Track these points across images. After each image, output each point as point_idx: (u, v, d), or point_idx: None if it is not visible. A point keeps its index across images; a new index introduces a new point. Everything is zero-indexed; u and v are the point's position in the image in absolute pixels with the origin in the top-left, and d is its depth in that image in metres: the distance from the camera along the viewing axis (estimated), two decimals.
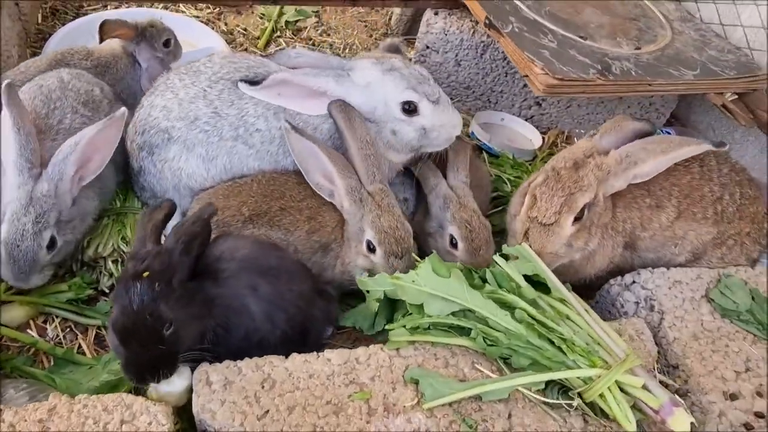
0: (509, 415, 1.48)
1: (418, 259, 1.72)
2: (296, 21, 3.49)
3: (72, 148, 1.76)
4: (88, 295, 1.93)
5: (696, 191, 1.99)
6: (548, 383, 1.52)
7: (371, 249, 1.80)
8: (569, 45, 2.41)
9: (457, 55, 2.89)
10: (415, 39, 3.04)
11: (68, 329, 1.90)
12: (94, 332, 1.88)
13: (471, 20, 2.83)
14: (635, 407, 1.48)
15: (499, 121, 3.03)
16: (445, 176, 2.10)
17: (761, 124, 2.51)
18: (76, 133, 1.81)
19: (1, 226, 1.75)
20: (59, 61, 2.22)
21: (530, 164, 2.78)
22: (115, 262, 1.98)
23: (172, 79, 1.98)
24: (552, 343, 1.52)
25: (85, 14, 3.10)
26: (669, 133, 3.00)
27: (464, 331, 1.59)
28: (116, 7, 3.21)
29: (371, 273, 1.77)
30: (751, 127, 2.56)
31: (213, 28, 3.19)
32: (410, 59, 1.98)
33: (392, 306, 1.74)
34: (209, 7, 3.35)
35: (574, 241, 1.83)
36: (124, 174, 2.12)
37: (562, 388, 1.53)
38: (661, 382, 1.63)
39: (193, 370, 1.48)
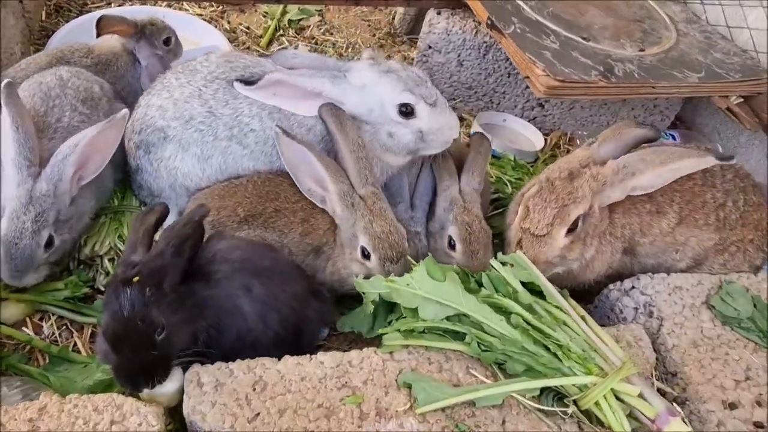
0: (503, 422, 1.47)
1: (414, 262, 1.70)
2: (299, 20, 3.48)
3: (71, 149, 1.75)
4: (84, 293, 1.92)
5: (698, 197, 1.96)
6: (543, 390, 1.50)
7: (366, 255, 1.79)
8: (571, 46, 2.39)
9: (459, 56, 2.87)
10: (418, 39, 3.03)
11: (64, 327, 1.90)
12: (89, 330, 1.88)
13: (474, 20, 2.81)
14: (631, 415, 1.46)
15: (501, 122, 3.01)
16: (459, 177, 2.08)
17: (766, 127, 2.48)
18: (75, 132, 1.81)
19: (0, 222, 1.75)
20: (59, 59, 2.22)
21: (532, 166, 2.76)
22: (111, 260, 1.98)
23: (169, 78, 1.97)
24: (547, 349, 1.50)
25: (88, 12, 3.10)
26: (673, 136, 2.97)
27: (459, 336, 1.58)
28: (120, 5, 3.22)
29: (366, 277, 1.75)
30: (756, 131, 2.53)
31: (216, 27, 3.18)
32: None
33: (391, 308, 1.73)
34: (212, 6, 3.35)
35: (568, 253, 1.82)
36: (122, 172, 2.11)
37: (557, 395, 1.51)
38: (658, 389, 1.62)
39: (185, 371, 1.47)
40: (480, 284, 1.65)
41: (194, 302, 1.43)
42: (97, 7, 3.19)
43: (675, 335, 1.74)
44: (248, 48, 3.21)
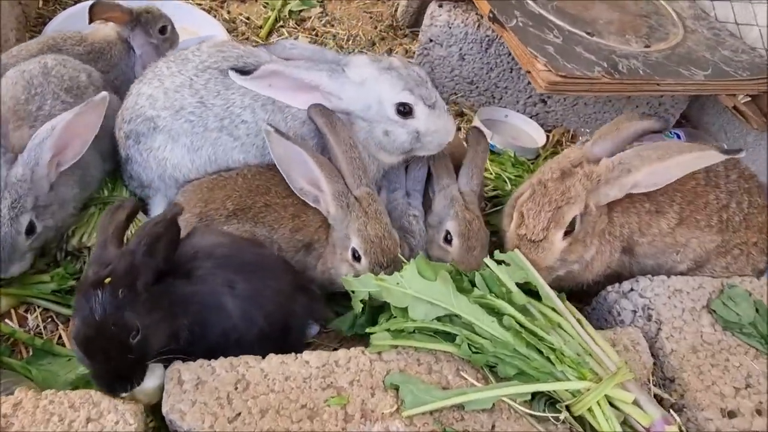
0: (493, 426, 1.42)
1: (405, 260, 1.66)
2: (300, 11, 3.42)
3: (48, 132, 1.70)
4: (71, 286, 1.87)
5: (700, 198, 1.90)
6: (535, 394, 1.45)
7: (357, 258, 1.75)
8: (575, 41, 2.33)
9: (461, 49, 2.82)
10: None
11: (49, 319, 1.86)
12: None
13: (476, 13, 2.75)
14: (626, 423, 1.42)
15: (503, 118, 2.95)
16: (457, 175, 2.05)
17: None
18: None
19: None
20: (51, 47, 2.17)
21: (532, 163, 2.70)
22: None
23: (160, 66, 1.93)
24: (540, 352, 1.45)
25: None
26: (678, 135, 2.90)
27: (450, 337, 1.53)
28: None
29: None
30: (763, 130, 2.48)
31: (215, 16, 3.13)
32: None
33: (380, 308, 1.69)
34: None
35: (569, 255, 1.77)
36: (112, 163, 2.07)
37: (550, 400, 1.46)
38: (655, 395, 1.57)
39: (167, 366, 1.43)
40: (473, 284, 1.60)
41: (174, 300, 1.38)
42: None
43: (674, 340, 1.69)
44: (247, 39, 3.16)
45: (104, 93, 1.77)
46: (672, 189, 1.86)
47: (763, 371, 1.62)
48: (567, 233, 1.74)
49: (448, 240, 1.95)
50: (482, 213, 2.09)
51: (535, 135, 2.90)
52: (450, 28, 2.77)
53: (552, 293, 1.60)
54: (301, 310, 1.62)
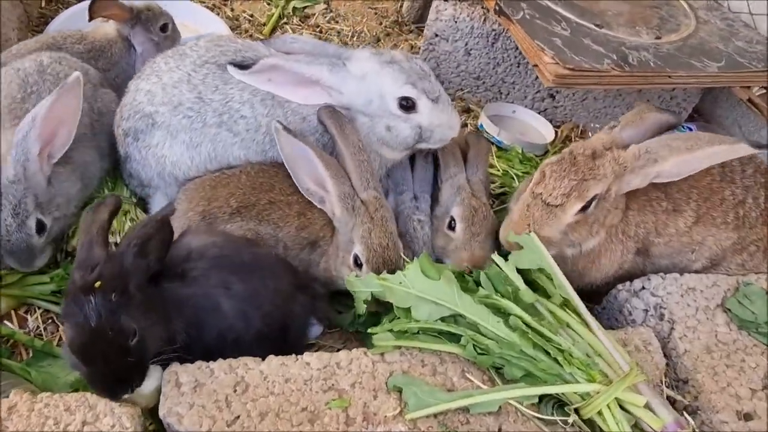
0: (499, 429, 1.38)
1: (407, 259, 1.62)
2: (304, 7, 3.39)
3: (30, 124, 1.65)
4: None
5: (716, 194, 1.84)
6: (543, 397, 1.41)
7: (358, 264, 1.71)
8: (583, 33, 2.27)
9: (467, 44, 2.76)
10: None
11: (50, 321, 1.84)
12: None
13: (482, 7, 2.70)
14: (637, 426, 1.37)
15: (511, 114, 2.90)
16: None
17: None
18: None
19: None
20: (51, 45, 2.16)
21: (540, 159, 2.64)
22: None
23: (158, 62, 1.90)
24: (548, 353, 1.41)
25: None
26: (690, 129, 2.83)
27: (455, 338, 1.49)
28: None
29: None
30: None
31: (219, 14, 3.11)
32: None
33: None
34: None
35: (572, 232, 1.70)
36: (111, 162, 2.04)
37: (558, 403, 1.41)
38: (668, 397, 1.52)
39: (165, 368, 1.40)
40: (478, 284, 1.55)
41: (168, 302, 1.35)
42: None
43: (687, 340, 1.64)
44: (251, 36, 3.13)
45: (77, 73, 1.72)
46: (688, 185, 1.80)
47: None
48: (583, 209, 1.67)
49: (451, 226, 1.92)
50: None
51: (543, 131, 2.84)
52: (455, 22, 2.72)
53: (566, 281, 1.54)
54: (301, 310, 1.58)
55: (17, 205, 1.66)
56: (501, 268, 1.57)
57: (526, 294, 1.52)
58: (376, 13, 3.47)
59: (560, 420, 1.38)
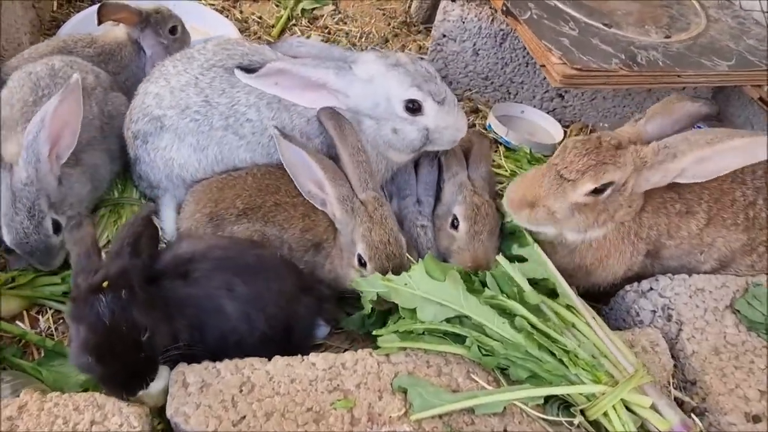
0: (504, 431, 1.38)
1: (413, 260, 1.62)
2: (313, 9, 3.40)
3: (39, 125, 1.67)
4: None
5: (726, 195, 1.82)
6: (548, 398, 1.41)
7: (362, 264, 1.72)
8: (592, 33, 2.26)
9: (475, 44, 2.76)
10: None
11: (61, 321, 1.86)
12: None
13: (490, 7, 2.69)
14: (643, 427, 1.36)
15: (519, 114, 2.89)
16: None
17: None
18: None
19: (2, 229, 1.72)
20: (62, 49, 2.19)
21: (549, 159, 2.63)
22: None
23: (167, 65, 1.92)
24: (553, 354, 1.40)
25: (100, 2, 3.07)
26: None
27: (460, 339, 1.49)
28: None
29: None
30: None
31: (228, 16, 3.13)
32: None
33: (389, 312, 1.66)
34: None
35: (578, 212, 1.68)
36: (121, 164, 2.07)
37: (563, 404, 1.41)
38: (676, 399, 1.51)
39: (172, 369, 1.42)
40: (484, 284, 1.55)
41: (169, 301, 1.37)
42: None
43: (695, 341, 1.63)
44: (259, 38, 3.15)
45: (76, 75, 1.75)
46: (699, 186, 1.78)
47: None
48: (594, 192, 1.65)
49: (454, 225, 1.91)
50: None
51: (552, 131, 2.83)
52: (463, 22, 2.71)
53: (570, 290, 1.55)
54: (306, 312, 1.59)
55: (32, 206, 1.70)
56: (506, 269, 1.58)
57: (531, 295, 1.52)
58: (384, 14, 3.47)
59: (566, 421, 1.38)
